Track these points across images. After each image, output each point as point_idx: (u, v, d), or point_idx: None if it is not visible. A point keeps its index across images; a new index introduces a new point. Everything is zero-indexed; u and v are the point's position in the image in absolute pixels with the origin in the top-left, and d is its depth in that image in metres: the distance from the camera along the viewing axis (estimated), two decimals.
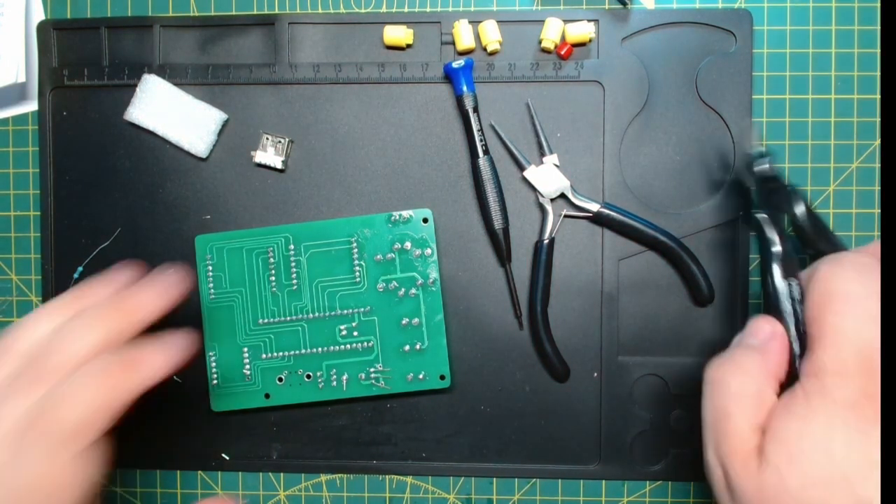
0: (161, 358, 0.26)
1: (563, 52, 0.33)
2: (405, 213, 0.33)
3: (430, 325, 0.33)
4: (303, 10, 0.34)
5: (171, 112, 0.34)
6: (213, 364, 0.33)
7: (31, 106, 0.35)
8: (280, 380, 0.33)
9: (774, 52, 0.33)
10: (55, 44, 0.35)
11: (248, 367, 0.33)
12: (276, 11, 0.34)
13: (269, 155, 0.34)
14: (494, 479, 0.34)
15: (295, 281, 0.33)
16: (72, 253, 0.35)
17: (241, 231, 0.33)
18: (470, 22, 0.33)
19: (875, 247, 0.24)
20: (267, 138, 0.34)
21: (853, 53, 0.33)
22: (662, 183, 0.33)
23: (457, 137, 0.34)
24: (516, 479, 0.34)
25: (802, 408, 0.21)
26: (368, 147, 0.34)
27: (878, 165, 0.33)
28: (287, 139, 0.34)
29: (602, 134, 0.33)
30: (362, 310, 0.33)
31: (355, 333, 0.33)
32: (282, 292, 0.33)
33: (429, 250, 0.33)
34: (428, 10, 0.34)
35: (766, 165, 0.29)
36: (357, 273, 0.33)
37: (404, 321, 0.33)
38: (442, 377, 0.33)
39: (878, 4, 0.33)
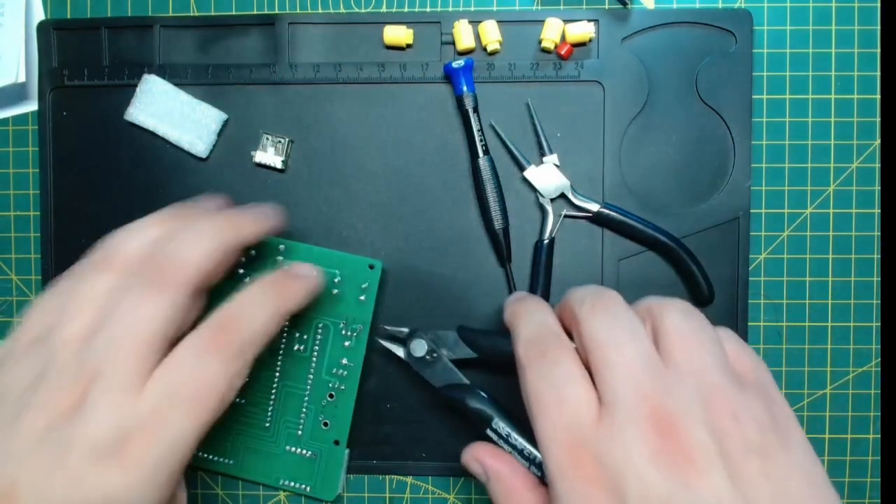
0: (309, 281, 0.28)
1: (563, 52, 0.33)
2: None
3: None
4: (303, 10, 0.34)
5: (171, 112, 0.34)
6: None
7: (31, 106, 0.35)
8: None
9: (774, 52, 0.33)
10: (55, 44, 0.35)
11: None
12: (276, 11, 0.34)
13: (269, 155, 0.34)
14: None
15: None
16: (72, 253, 0.34)
17: None
18: (470, 22, 0.33)
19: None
20: (267, 138, 0.34)
21: (853, 53, 0.33)
22: (662, 183, 0.33)
23: (457, 137, 0.34)
24: None
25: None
26: (368, 147, 0.34)
27: (878, 165, 0.33)
28: (287, 139, 0.34)
29: (602, 134, 0.33)
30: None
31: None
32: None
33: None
34: (428, 10, 0.34)
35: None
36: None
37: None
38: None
39: (878, 4, 0.33)
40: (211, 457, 0.33)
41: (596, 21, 0.33)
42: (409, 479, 0.34)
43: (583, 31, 0.32)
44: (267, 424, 0.33)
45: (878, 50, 0.33)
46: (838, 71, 0.33)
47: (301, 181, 0.34)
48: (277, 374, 0.33)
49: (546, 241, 0.33)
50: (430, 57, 0.34)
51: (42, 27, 0.35)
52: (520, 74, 0.33)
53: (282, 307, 0.26)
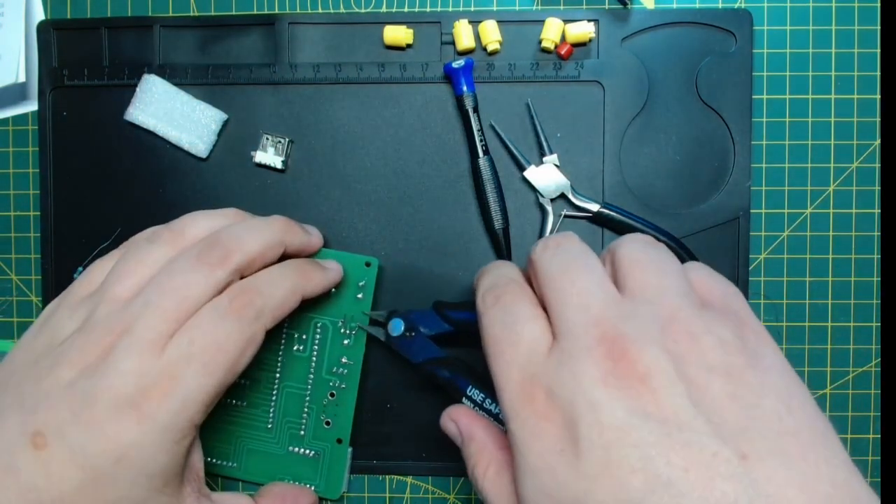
0: (330, 273, 0.30)
1: (563, 52, 0.33)
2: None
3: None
4: (303, 10, 0.34)
5: (171, 112, 0.34)
6: None
7: (31, 106, 0.35)
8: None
9: (774, 52, 0.33)
10: (55, 44, 0.35)
11: None
12: (276, 11, 0.34)
13: (269, 155, 0.34)
14: None
15: None
16: (72, 253, 0.35)
17: None
18: (470, 22, 0.33)
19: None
20: (267, 138, 0.34)
21: (853, 53, 0.33)
22: (662, 183, 0.33)
23: (457, 137, 0.34)
24: None
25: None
26: (368, 147, 0.34)
27: (878, 165, 0.33)
28: (287, 139, 0.34)
29: (602, 134, 0.33)
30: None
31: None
32: None
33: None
34: (428, 10, 0.34)
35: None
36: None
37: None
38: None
39: (878, 4, 0.33)
40: (214, 461, 0.33)
41: (596, 21, 0.33)
42: (409, 479, 0.34)
43: (583, 31, 0.32)
44: (269, 426, 0.33)
45: (878, 50, 0.33)
46: (838, 71, 0.33)
47: (301, 181, 0.34)
48: (278, 375, 0.33)
49: None
50: (430, 57, 0.34)
51: (42, 27, 0.35)
52: (520, 74, 0.33)
53: (301, 288, 0.28)
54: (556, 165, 0.33)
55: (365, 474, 0.34)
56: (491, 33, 0.33)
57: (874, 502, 0.17)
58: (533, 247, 0.24)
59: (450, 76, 0.33)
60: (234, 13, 0.35)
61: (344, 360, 0.32)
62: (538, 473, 0.19)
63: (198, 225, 0.28)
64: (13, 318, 0.36)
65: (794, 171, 0.34)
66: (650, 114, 0.33)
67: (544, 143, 0.33)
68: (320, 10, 0.34)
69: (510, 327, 0.21)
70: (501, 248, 0.33)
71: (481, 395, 0.28)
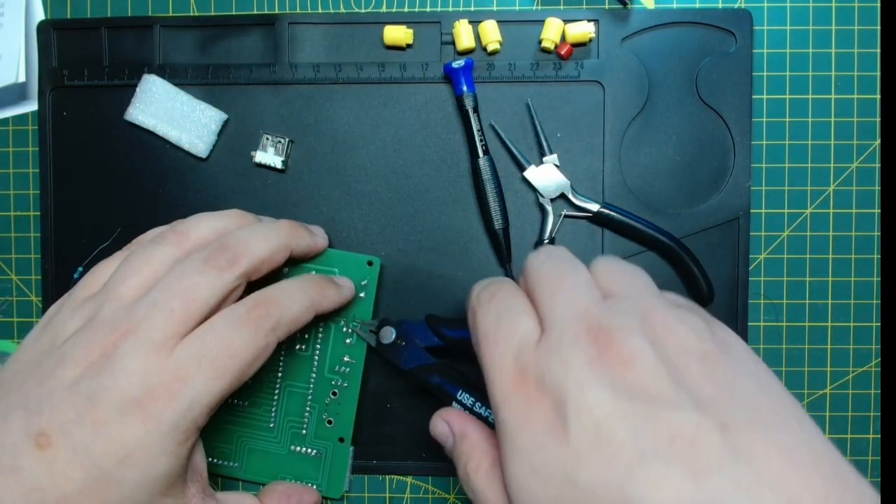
0: (344, 291, 0.31)
1: (563, 52, 0.33)
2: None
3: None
4: (303, 10, 0.34)
5: (171, 112, 0.34)
6: None
7: (31, 106, 0.35)
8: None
9: (774, 52, 0.33)
10: (55, 44, 0.35)
11: None
12: (276, 11, 0.34)
13: (269, 155, 0.34)
14: None
15: None
16: (72, 253, 0.35)
17: None
18: (470, 22, 0.33)
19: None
20: (267, 138, 0.34)
21: (853, 53, 0.33)
22: (662, 183, 0.33)
23: (457, 137, 0.34)
24: None
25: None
26: (368, 147, 0.34)
27: (878, 165, 0.33)
28: (287, 139, 0.34)
29: (602, 134, 0.33)
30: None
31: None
32: None
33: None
34: (428, 10, 0.34)
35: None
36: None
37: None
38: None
39: (878, 4, 0.33)
40: (216, 461, 0.33)
41: (596, 21, 0.33)
42: (409, 479, 0.34)
43: (583, 31, 0.32)
44: (271, 425, 0.33)
45: (878, 50, 0.33)
46: (838, 71, 0.33)
47: (301, 181, 0.34)
48: (280, 374, 0.33)
49: (546, 241, 0.33)
50: (430, 57, 0.34)
51: (42, 27, 0.35)
52: (520, 74, 0.33)
53: (316, 304, 0.28)
54: (556, 165, 0.33)
55: (365, 474, 0.34)
56: (491, 33, 0.33)
57: (851, 472, 0.18)
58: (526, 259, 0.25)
59: (450, 76, 0.33)
60: (234, 13, 0.35)
61: (346, 358, 0.32)
62: (527, 454, 0.20)
63: (202, 226, 0.28)
64: (13, 318, 0.36)
65: (794, 171, 0.34)
66: (650, 114, 0.33)
67: (544, 143, 0.33)
68: (320, 10, 0.34)
69: (503, 321, 0.22)
70: (501, 248, 0.33)
71: (471, 398, 0.29)
